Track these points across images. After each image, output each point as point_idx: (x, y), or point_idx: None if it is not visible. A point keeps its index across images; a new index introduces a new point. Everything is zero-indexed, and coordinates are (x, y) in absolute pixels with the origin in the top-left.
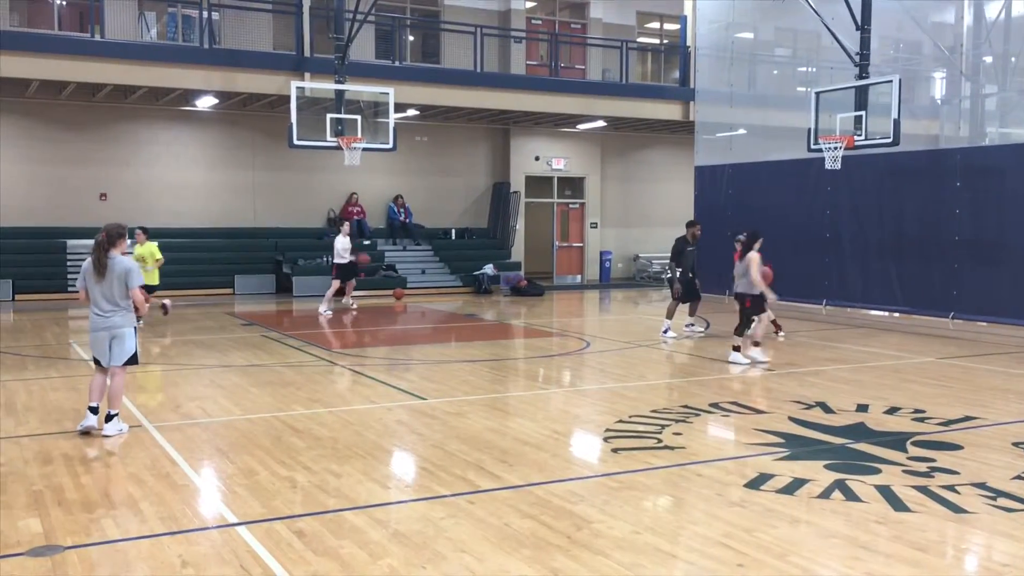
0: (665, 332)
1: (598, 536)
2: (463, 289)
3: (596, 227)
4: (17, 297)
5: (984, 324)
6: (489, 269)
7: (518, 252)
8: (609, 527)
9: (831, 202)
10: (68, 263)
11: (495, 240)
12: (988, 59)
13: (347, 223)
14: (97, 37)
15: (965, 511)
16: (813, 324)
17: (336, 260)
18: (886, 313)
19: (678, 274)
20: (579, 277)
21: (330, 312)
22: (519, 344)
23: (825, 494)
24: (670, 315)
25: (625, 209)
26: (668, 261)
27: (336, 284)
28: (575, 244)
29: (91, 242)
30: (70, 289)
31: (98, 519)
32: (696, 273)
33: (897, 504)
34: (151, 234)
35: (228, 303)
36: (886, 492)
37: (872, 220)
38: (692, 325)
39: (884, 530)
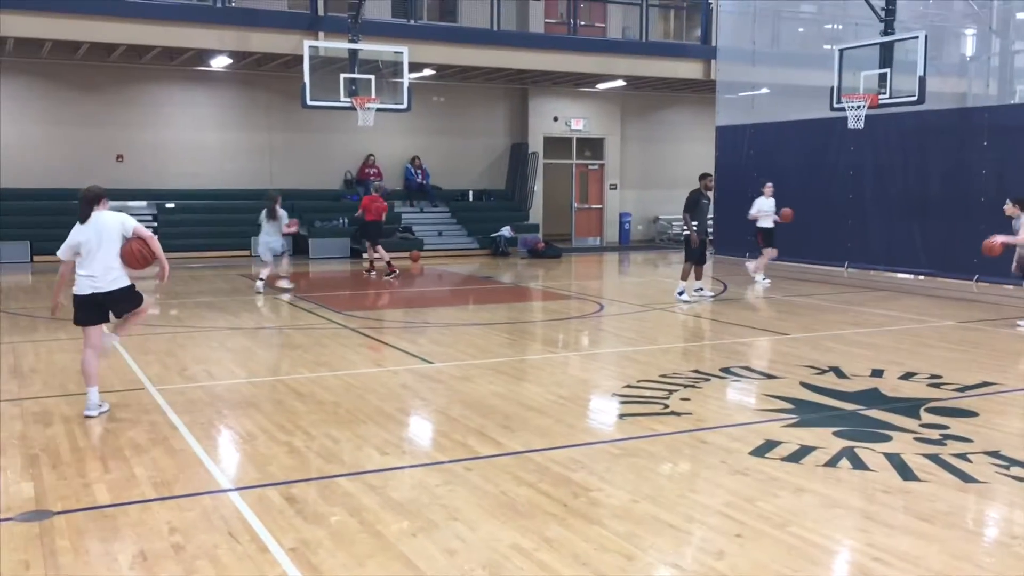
0: (680, 294)
1: (595, 505)
2: (480, 251)
3: (615, 188)
4: (35, 258)
5: (1009, 287)
6: (507, 231)
7: (536, 214)
8: (607, 495)
9: (854, 162)
10: None
11: (513, 202)
12: (1021, 15)
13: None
14: None
15: (976, 480)
16: (833, 287)
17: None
18: (910, 276)
19: (694, 225)
20: (598, 239)
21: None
22: (533, 307)
23: (832, 462)
24: (684, 277)
25: (645, 170)
26: (683, 213)
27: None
28: (594, 206)
29: (110, 204)
30: None
31: (91, 484)
32: (706, 233)
33: (906, 473)
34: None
35: (244, 265)
36: (895, 460)
37: (896, 181)
38: (701, 289)
39: (891, 500)
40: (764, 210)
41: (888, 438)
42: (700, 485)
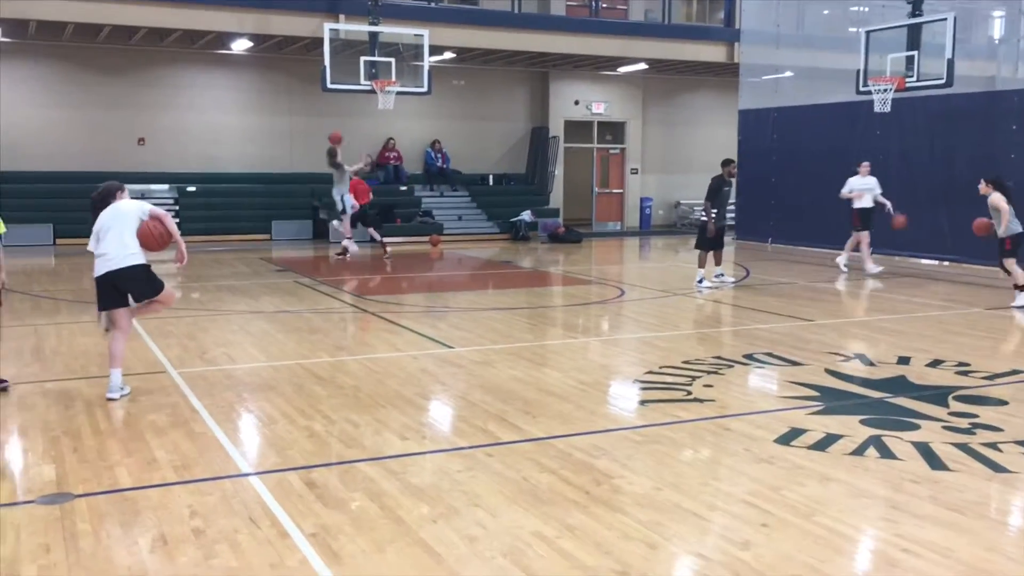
0: (700, 281)
1: (617, 492)
2: (500, 236)
3: (636, 173)
4: (58, 241)
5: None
6: (527, 216)
7: (557, 198)
8: (630, 483)
9: (880, 147)
10: None
11: (533, 186)
12: None
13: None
14: None
15: (1007, 470)
16: (856, 273)
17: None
18: (935, 262)
19: (714, 214)
20: (619, 224)
21: None
22: (553, 292)
23: (859, 451)
24: (702, 264)
25: (666, 155)
26: (704, 201)
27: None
28: (615, 190)
29: (131, 187)
30: None
31: (112, 467)
32: (724, 219)
33: (935, 462)
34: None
35: (265, 249)
36: (924, 449)
37: (922, 165)
38: (722, 275)
39: (919, 490)
40: (858, 189)
41: (916, 427)
42: (724, 473)
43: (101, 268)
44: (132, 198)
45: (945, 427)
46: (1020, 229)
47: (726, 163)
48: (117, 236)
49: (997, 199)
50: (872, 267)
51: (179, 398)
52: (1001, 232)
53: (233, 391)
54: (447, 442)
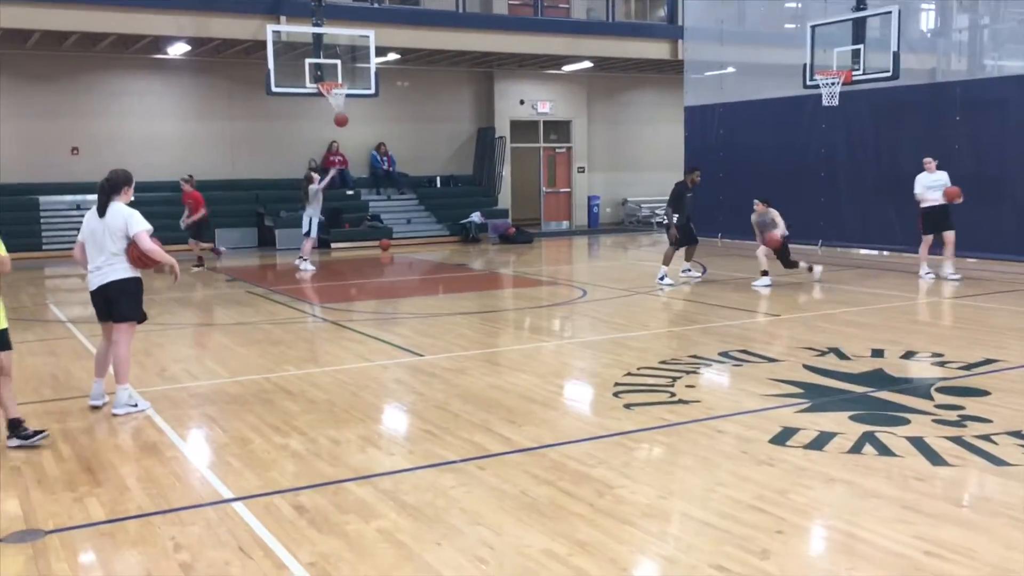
0: (662, 279)
1: (622, 503)
2: (450, 238)
3: (583, 171)
4: None
5: (974, 260)
6: (476, 217)
7: (505, 199)
8: (632, 492)
9: (826, 140)
10: (41, 220)
11: (481, 187)
12: None
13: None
14: None
15: (1006, 463)
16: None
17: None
18: (881, 252)
19: (675, 219)
20: (567, 223)
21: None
22: (513, 294)
23: (856, 448)
24: (667, 261)
25: (613, 153)
26: (666, 206)
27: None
28: (562, 189)
29: (65, 198)
30: (44, 248)
31: (82, 498)
32: (691, 217)
33: (934, 458)
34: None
35: (210, 258)
36: (920, 444)
37: (869, 157)
38: (689, 270)
39: (925, 487)
40: (929, 186)
41: (906, 421)
42: (726, 478)
43: (92, 283)
44: (66, 210)
45: (935, 420)
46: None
47: (691, 171)
48: (106, 251)
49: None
50: (951, 271)
51: (143, 419)
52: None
53: (199, 410)
54: (436, 456)
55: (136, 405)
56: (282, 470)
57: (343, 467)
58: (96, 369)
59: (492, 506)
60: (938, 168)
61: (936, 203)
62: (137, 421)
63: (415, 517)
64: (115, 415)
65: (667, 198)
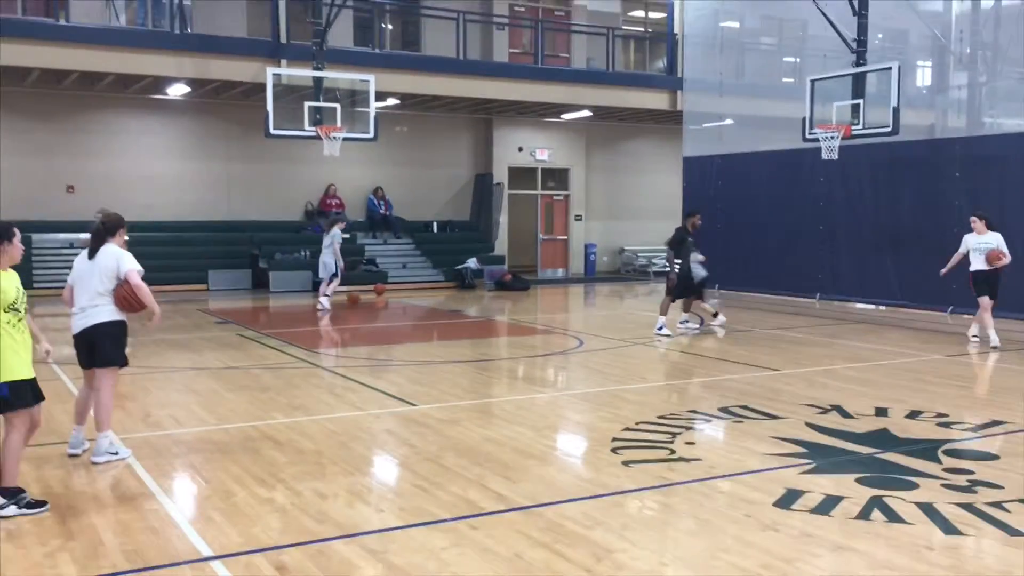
0: (660, 329)
1: (621, 569)
2: (446, 284)
3: (581, 219)
4: None
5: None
6: (472, 263)
7: (502, 245)
8: (632, 557)
9: (824, 193)
10: (34, 258)
11: (478, 233)
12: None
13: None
14: (63, 21)
15: (1021, 533)
16: (809, 319)
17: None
18: (881, 307)
19: (677, 265)
20: (563, 270)
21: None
22: (509, 342)
23: (864, 514)
24: (664, 311)
25: (610, 201)
26: (667, 251)
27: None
28: (559, 237)
29: (59, 236)
30: (35, 286)
31: (53, 553)
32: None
33: (946, 526)
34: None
35: (202, 299)
36: (930, 511)
37: (867, 212)
38: (687, 322)
39: (939, 558)
40: (974, 248)
41: (915, 485)
42: (730, 544)
43: (74, 326)
44: (59, 248)
45: (944, 485)
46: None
47: (690, 215)
48: (90, 292)
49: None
50: (991, 336)
51: (123, 469)
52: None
53: (183, 459)
54: (427, 514)
55: (117, 453)
56: (265, 526)
57: (329, 523)
58: (76, 416)
59: (485, 570)
60: (987, 227)
61: (980, 267)
62: (117, 470)
63: None
64: (94, 463)
65: (665, 246)
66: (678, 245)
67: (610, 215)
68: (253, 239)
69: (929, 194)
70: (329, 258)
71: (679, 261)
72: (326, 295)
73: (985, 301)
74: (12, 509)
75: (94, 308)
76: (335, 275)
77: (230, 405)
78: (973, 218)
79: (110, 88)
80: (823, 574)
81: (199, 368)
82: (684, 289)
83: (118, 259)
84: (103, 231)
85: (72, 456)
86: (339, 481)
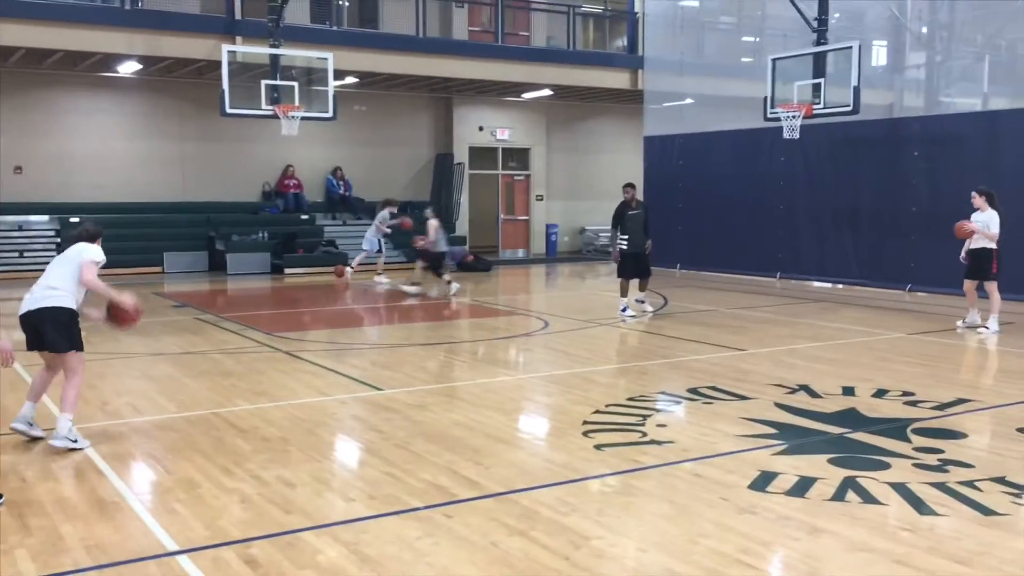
0: (623, 310)
1: (601, 556)
2: (406, 265)
3: (542, 199)
4: None
5: (942, 296)
6: None
7: (462, 226)
8: (611, 544)
9: (784, 173)
10: None
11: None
12: (925, 29)
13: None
14: None
15: (995, 512)
16: (771, 298)
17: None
18: (834, 285)
19: (623, 240)
20: (524, 251)
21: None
22: (474, 324)
23: (839, 495)
24: (624, 293)
25: (571, 181)
26: (611, 228)
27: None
28: (520, 217)
29: (7, 218)
30: None
31: (10, 550)
32: (648, 242)
33: (920, 506)
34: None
35: (157, 282)
36: (903, 491)
37: (827, 191)
38: (643, 302)
39: (915, 539)
40: (981, 225)
41: (887, 465)
42: (708, 528)
43: (21, 307)
44: (7, 231)
45: (916, 465)
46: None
47: (624, 187)
48: (46, 278)
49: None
50: (994, 324)
51: (81, 459)
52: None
53: (143, 448)
54: (399, 502)
55: (76, 441)
56: (232, 518)
57: (298, 514)
58: (29, 394)
59: (462, 560)
60: (989, 203)
61: (982, 245)
62: (75, 460)
63: (379, 573)
64: (53, 445)
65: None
66: (618, 219)
67: (571, 195)
68: (209, 220)
69: (888, 173)
70: (372, 235)
71: (625, 237)
72: (379, 274)
73: (986, 285)
74: None
75: (42, 294)
76: (378, 251)
77: (190, 392)
78: (973, 193)
79: (58, 65)
80: (801, 557)
81: (157, 353)
82: (636, 269)
83: (80, 249)
84: (86, 237)
85: (14, 431)
86: (306, 469)
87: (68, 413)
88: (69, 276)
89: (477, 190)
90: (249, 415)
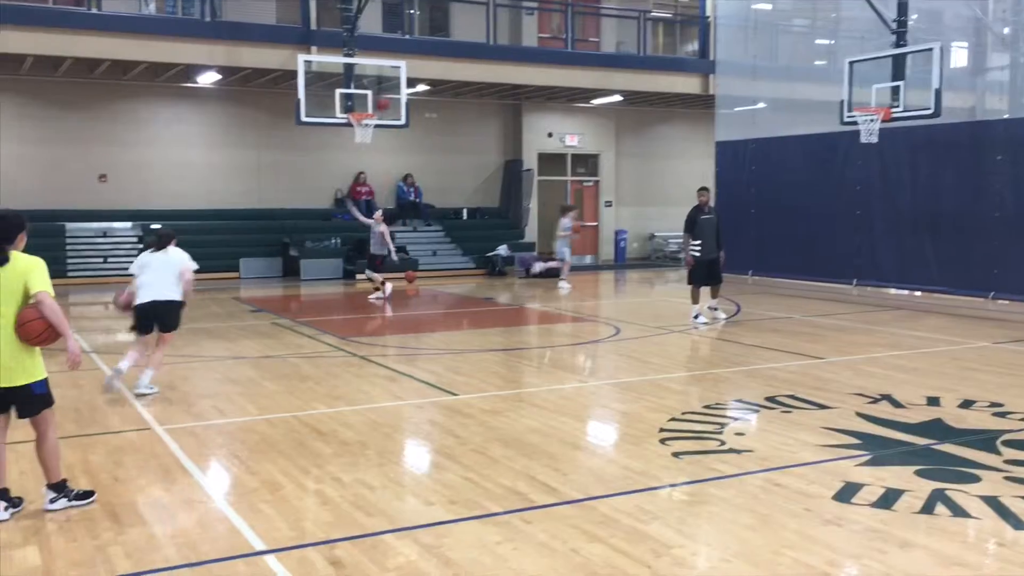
0: (696, 317)
1: (682, 565)
2: (476, 271)
3: (611, 205)
4: None
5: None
6: (503, 250)
7: (531, 232)
8: (693, 553)
9: (861, 177)
10: (67, 246)
11: (508, 219)
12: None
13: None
14: (94, 10)
15: None
16: (848, 305)
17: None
18: (912, 292)
19: (695, 246)
20: (593, 257)
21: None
22: (545, 330)
23: (928, 508)
24: (695, 299)
25: (640, 187)
26: (683, 233)
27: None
28: (589, 223)
29: (92, 225)
30: (69, 275)
31: (105, 546)
32: (721, 248)
33: (1015, 521)
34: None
35: (234, 287)
36: (995, 505)
37: (905, 196)
38: (715, 309)
39: (1012, 555)
40: None
41: (976, 478)
42: (793, 539)
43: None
44: (92, 237)
45: (1007, 478)
46: None
47: (699, 191)
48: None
49: None
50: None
51: (169, 459)
52: None
53: (228, 449)
54: (478, 507)
55: (153, 388)
56: (315, 519)
57: (380, 517)
58: (139, 360)
59: (543, 565)
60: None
61: None
62: (163, 461)
63: None
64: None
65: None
66: (691, 224)
67: (640, 201)
68: (283, 227)
69: (969, 177)
70: (561, 245)
71: (698, 243)
72: (563, 279)
73: None
74: (62, 502)
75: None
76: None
77: (270, 394)
78: None
79: (141, 77)
80: (893, 572)
81: (237, 357)
82: (709, 276)
83: (183, 257)
84: (164, 241)
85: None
86: (385, 472)
87: (154, 371)
88: (178, 276)
89: (546, 196)
90: (328, 418)
